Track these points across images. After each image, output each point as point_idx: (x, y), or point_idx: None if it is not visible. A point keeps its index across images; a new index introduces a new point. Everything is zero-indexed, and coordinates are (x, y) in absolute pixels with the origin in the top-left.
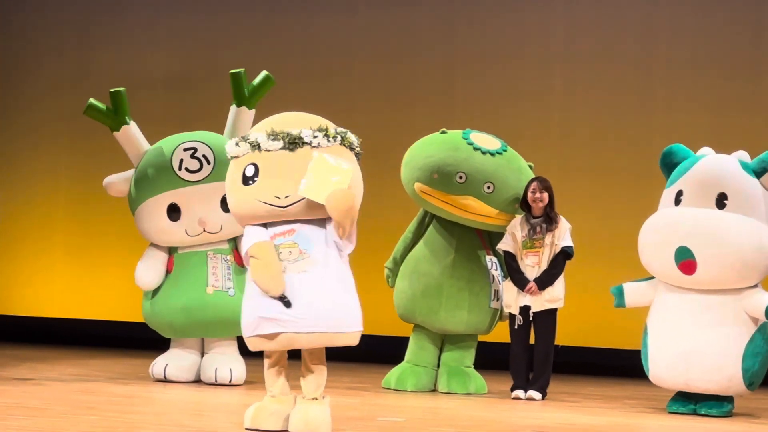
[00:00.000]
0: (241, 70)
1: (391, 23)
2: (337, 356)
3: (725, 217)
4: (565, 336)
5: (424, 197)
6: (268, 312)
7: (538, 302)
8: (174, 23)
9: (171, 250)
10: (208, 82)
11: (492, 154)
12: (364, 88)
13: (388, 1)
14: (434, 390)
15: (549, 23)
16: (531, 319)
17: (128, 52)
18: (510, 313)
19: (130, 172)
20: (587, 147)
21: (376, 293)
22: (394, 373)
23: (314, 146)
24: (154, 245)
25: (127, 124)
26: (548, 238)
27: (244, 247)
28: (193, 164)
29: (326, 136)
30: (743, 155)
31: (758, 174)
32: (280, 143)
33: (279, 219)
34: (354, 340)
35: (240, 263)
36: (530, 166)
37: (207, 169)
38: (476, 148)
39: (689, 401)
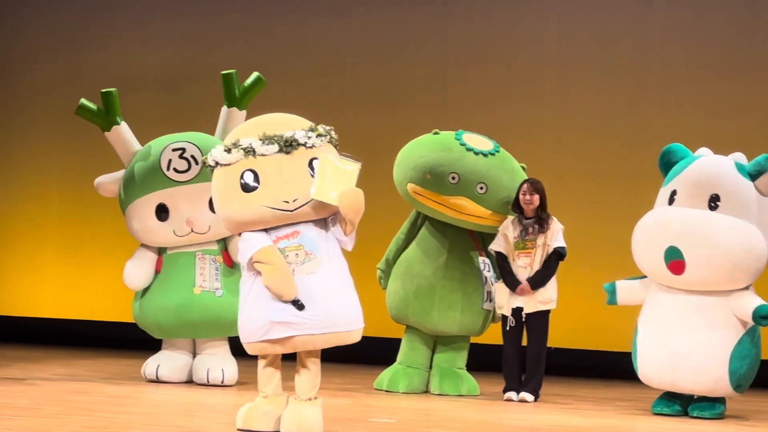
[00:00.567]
0: (233, 71)
1: (383, 24)
2: (329, 357)
3: (716, 218)
4: (557, 338)
5: (416, 198)
6: (281, 316)
7: (531, 304)
8: (166, 24)
9: (160, 251)
10: (200, 83)
11: (485, 155)
12: (356, 88)
13: (381, 2)
14: (426, 391)
15: (543, 24)
16: (523, 320)
17: (121, 53)
18: (502, 315)
19: (121, 173)
20: (581, 148)
21: (368, 294)
22: (386, 375)
23: (309, 147)
24: (144, 245)
25: (118, 124)
26: (540, 239)
27: (246, 253)
28: (182, 164)
29: (318, 135)
30: (740, 157)
31: (753, 176)
32: (276, 147)
33: (285, 222)
34: (359, 337)
35: (229, 264)
36: (523, 167)
37: (195, 169)
38: (469, 149)
39: (675, 402)
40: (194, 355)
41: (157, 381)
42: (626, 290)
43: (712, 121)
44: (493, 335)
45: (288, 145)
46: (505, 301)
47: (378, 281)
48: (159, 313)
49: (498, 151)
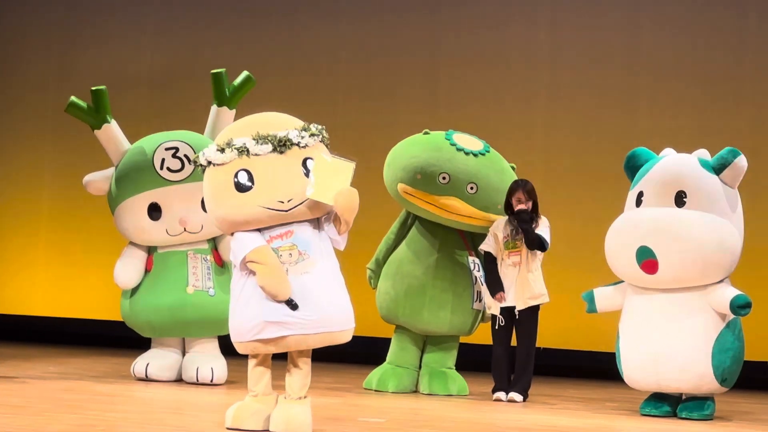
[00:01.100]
0: (222, 70)
1: (374, 25)
2: (318, 357)
3: (684, 214)
4: (546, 338)
5: (407, 198)
6: (274, 316)
7: (521, 301)
8: (158, 24)
9: (150, 249)
10: (191, 82)
11: (475, 155)
12: (347, 89)
13: (373, 4)
14: (416, 391)
15: (533, 26)
16: (513, 320)
17: (112, 51)
18: (492, 315)
19: (111, 170)
20: (570, 149)
21: (358, 294)
22: (375, 374)
23: (302, 146)
24: (133, 244)
25: (108, 122)
26: None
27: (239, 253)
28: (175, 164)
29: (311, 134)
30: (704, 153)
31: (717, 170)
32: (269, 146)
33: (279, 222)
34: (350, 336)
35: (219, 263)
36: (513, 167)
37: (188, 168)
38: (459, 149)
39: (663, 403)
40: (184, 353)
41: (147, 379)
42: (603, 297)
43: (702, 122)
44: (483, 335)
45: (282, 145)
46: (494, 301)
47: (368, 281)
48: (151, 313)
49: (488, 151)
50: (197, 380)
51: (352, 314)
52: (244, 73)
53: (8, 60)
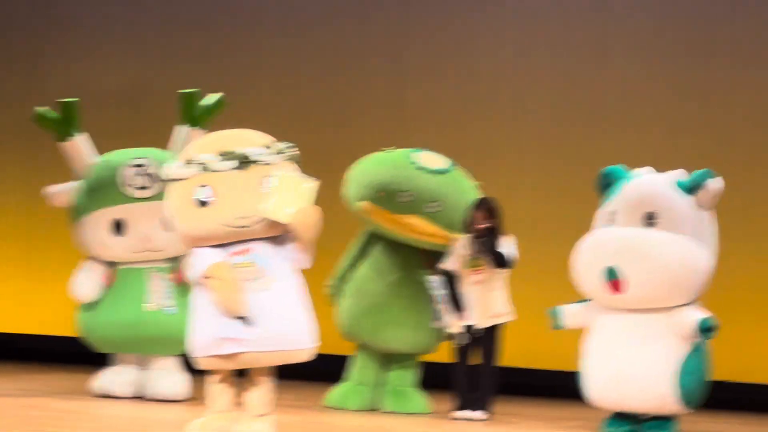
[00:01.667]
0: (196, 90)
1: (338, 41)
2: (280, 374)
3: (653, 235)
4: (509, 357)
5: (368, 216)
6: (228, 332)
7: (483, 319)
8: (125, 40)
9: (110, 264)
10: (159, 99)
11: (438, 173)
12: (312, 105)
13: (337, 17)
14: (377, 409)
15: (499, 42)
16: (475, 338)
17: (79, 68)
18: (454, 333)
19: (74, 183)
20: (536, 166)
21: (319, 311)
22: (336, 392)
23: (265, 163)
24: (92, 258)
25: (75, 135)
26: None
27: (197, 268)
28: (141, 181)
29: (277, 152)
30: (680, 174)
31: (691, 192)
32: (231, 163)
33: (239, 239)
34: (310, 356)
35: (179, 282)
36: (477, 186)
37: (154, 186)
38: (422, 167)
39: (626, 422)
40: (145, 369)
41: (107, 396)
42: (571, 315)
43: (671, 139)
44: (445, 353)
45: (243, 162)
46: (456, 319)
47: (329, 298)
48: (108, 328)
49: (452, 170)
50: (158, 397)
51: (311, 334)
52: (218, 95)
53: None
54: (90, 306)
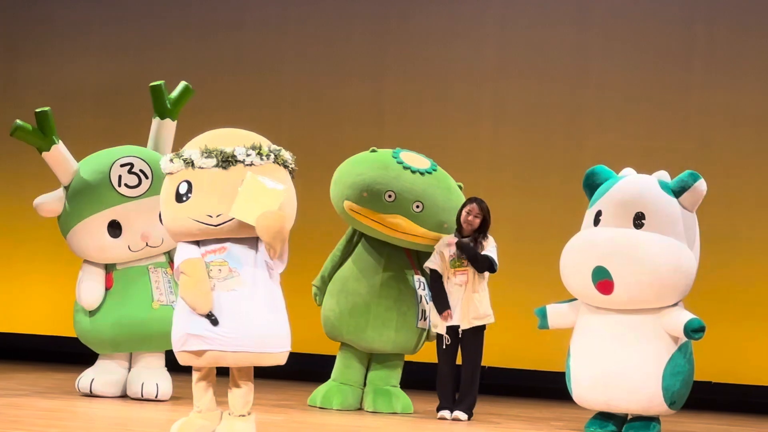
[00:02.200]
0: (161, 82)
1: (319, 40)
2: (263, 374)
3: (642, 236)
4: (492, 357)
5: (353, 215)
6: (195, 329)
7: (466, 320)
8: (103, 38)
9: (108, 267)
10: (136, 97)
11: (422, 174)
12: (292, 105)
13: (317, 18)
14: (360, 409)
15: (479, 43)
16: (458, 339)
17: (57, 65)
18: (437, 333)
19: (61, 191)
20: (517, 166)
21: (303, 311)
22: (320, 391)
23: (247, 164)
24: (89, 262)
25: (55, 143)
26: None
27: (176, 262)
28: (132, 179)
29: (259, 154)
30: (663, 175)
31: (677, 193)
32: (214, 161)
33: (211, 237)
34: (281, 360)
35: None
36: (460, 186)
37: (146, 183)
38: (406, 167)
39: (609, 421)
40: (129, 368)
41: (91, 395)
42: (556, 314)
43: (649, 141)
44: (428, 353)
45: (225, 161)
46: (440, 319)
47: (313, 298)
48: (117, 329)
49: (435, 170)
50: (142, 396)
51: (283, 338)
52: (182, 84)
53: None
54: (92, 309)
